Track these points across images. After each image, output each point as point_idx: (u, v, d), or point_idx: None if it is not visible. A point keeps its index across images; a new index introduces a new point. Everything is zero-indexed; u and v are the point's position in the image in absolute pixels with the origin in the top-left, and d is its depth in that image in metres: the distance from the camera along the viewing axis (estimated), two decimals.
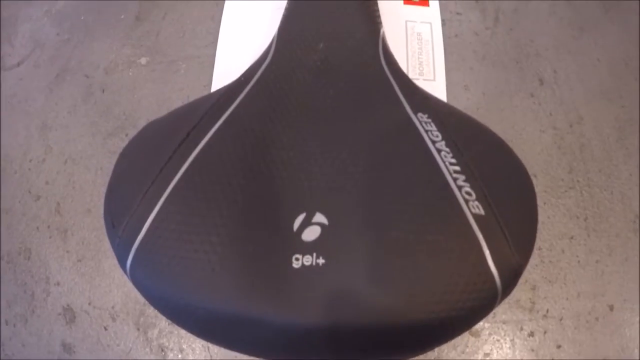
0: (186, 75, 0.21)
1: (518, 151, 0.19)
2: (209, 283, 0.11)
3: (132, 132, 0.20)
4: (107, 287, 0.19)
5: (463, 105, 0.20)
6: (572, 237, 0.19)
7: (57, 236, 0.20)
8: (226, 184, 0.12)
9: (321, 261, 0.10)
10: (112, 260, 0.19)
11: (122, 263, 0.12)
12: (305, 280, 0.10)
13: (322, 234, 0.11)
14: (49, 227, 0.21)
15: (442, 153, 0.12)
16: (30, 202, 0.21)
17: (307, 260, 0.10)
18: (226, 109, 0.13)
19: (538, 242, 0.19)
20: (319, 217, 0.11)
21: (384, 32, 0.17)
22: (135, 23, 0.23)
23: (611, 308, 0.19)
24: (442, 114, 0.13)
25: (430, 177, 0.11)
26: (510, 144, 0.19)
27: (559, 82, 0.21)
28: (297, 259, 0.10)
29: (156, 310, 0.13)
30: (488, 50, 0.21)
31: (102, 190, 0.20)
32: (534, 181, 0.19)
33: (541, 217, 0.19)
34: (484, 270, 0.10)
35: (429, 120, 0.12)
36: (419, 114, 0.13)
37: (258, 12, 0.20)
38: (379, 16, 0.18)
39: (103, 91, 0.22)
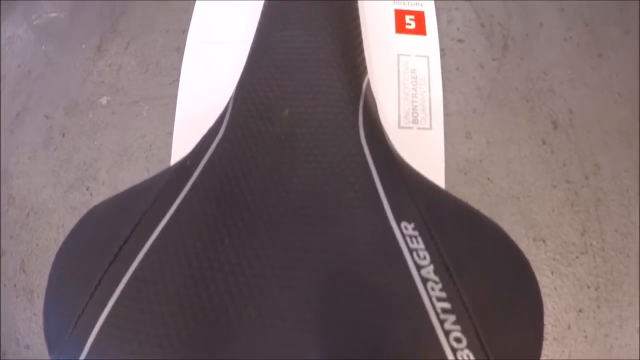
0: (149, 119, 0.16)
1: (526, 212, 0.15)
2: None
3: (93, 185, 0.16)
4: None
5: (464, 156, 0.15)
6: (580, 310, 0.14)
7: (23, 296, 0.17)
8: (161, 323, 0.08)
9: None
10: None
11: None
12: None
13: None
14: (15, 285, 0.17)
15: (429, 284, 0.07)
16: None
17: None
18: (166, 211, 0.09)
19: (545, 314, 0.15)
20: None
21: (368, 81, 0.12)
22: (96, 54, 0.18)
23: None
24: (434, 219, 0.09)
25: (412, 321, 0.07)
26: (518, 204, 0.15)
27: (575, 124, 0.16)
28: None
29: None
30: (494, 86, 0.16)
31: None
32: (543, 247, 0.14)
33: (548, 289, 0.15)
34: None
35: (415, 233, 0.08)
36: (403, 224, 0.08)
37: (223, 50, 0.15)
38: (363, 60, 0.12)
39: (63, 135, 0.17)
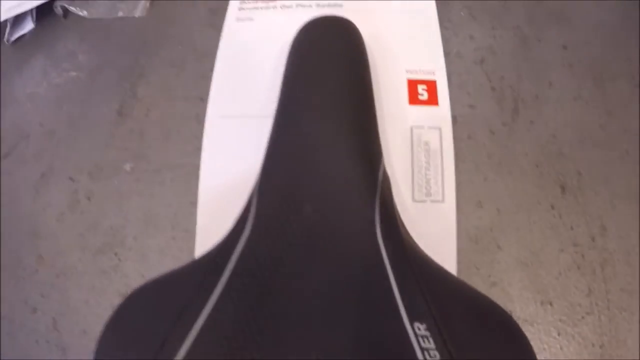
0: (172, 187, 0.18)
1: (534, 277, 0.16)
2: None
3: (120, 251, 0.18)
4: None
5: (475, 225, 0.16)
6: None
7: (56, 353, 0.19)
8: None
9: None
10: None
11: None
12: None
13: None
14: (47, 342, 0.19)
15: None
16: (28, 313, 0.19)
17: None
18: (200, 311, 0.11)
19: None
20: None
21: (384, 166, 0.14)
22: (117, 119, 0.20)
23: None
24: (444, 319, 0.10)
25: None
26: (527, 269, 0.16)
27: (583, 187, 0.17)
28: None
29: None
30: (505, 153, 0.18)
31: (96, 311, 0.19)
32: (550, 310, 0.16)
33: (554, 349, 0.16)
34: None
35: (427, 333, 0.10)
36: (416, 325, 0.10)
37: (242, 125, 0.16)
38: (378, 146, 0.14)
39: (89, 199, 0.19)
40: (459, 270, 0.16)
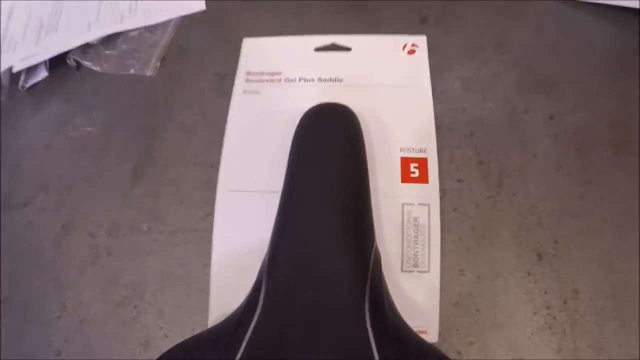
0: (186, 250, 0.22)
1: (509, 337, 0.20)
2: None
3: (140, 304, 0.22)
4: None
5: (457, 291, 0.20)
6: None
7: None
8: None
9: None
10: None
11: None
12: None
13: None
14: None
15: None
16: (52, 355, 0.24)
17: None
18: None
19: None
20: None
21: (377, 250, 0.18)
22: (133, 179, 0.24)
23: None
24: None
25: None
26: (502, 330, 0.20)
27: (559, 255, 0.21)
28: None
29: None
30: (487, 225, 0.21)
31: (117, 357, 0.22)
32: None
33: None
34: None
35: None
36: None
37: (250, 199, 0.20)
38: (372, 231, 0.18)
39: (109, 255, 0.23)
40: (440, 331, 0.20)
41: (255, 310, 0.17)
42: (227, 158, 0.22)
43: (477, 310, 0.22)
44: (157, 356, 0.19)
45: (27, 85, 0.31)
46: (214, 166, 0.24)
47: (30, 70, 0.31)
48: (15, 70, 0.30)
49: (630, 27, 0.29)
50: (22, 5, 0.32)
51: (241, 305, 0.19)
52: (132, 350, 0.24)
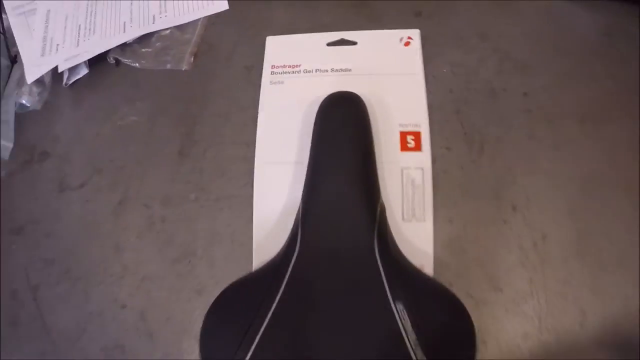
0: (230, 212, 0.32)
1: (489, 271, 0.30)
2: None
3: (193, 260, 0.32)
4: None
5: (447, 237, 0.30)
6: (526, 335, 0.30)
7: (145, 337, 0.33)
8: (285, 357, 0.24)
9: None
10: (192, 357, 0.31)
11: None
12: None
13: None
14: (137, 329, 0.33)
15: (409, 334, 0.23)
16: (118, 309, 0.33)
17: None
18: (274, 298, 0.25)
19: (499, 337, 0.30)
20: None
21: (382, 202, 0.28)
22: (179, 158, 0.34)
23: None
24: (414, 299, 0.24)
25: (399, 353, 0.23)
26: (484, 267, 0.30)
27: (530, 207, 0.31)
28: None
29: None
30: (471, 184, 0.31)
31: (177, 304, 0.33)
32: (500, 295, 0.30)
33: (502, 320, 0.30)
34: None
35: (404, 310, 0.24)
36: (398, 304, 0.24)
37: (282, 169, 0.30)
38: (378, 190, 0.28)
39: (163, 221, 0.33)
40: (435, 267, 0.30)
41: (294, 251, 0.26)
42: (261, 136, 0.32)
43: (464, 251, 0.32)
44: (211, 301, 0.29)
45: (70, 82, 0.41)
46: (249, 144, 0.32)
47: (72, 68, 0.40)
48: (60, 70, 0.39)
49: (600, 12, 0.39)
50: (57, 9, 0.41)
51: (281, 249, 0.28)
52: (188, 297, 0.33)
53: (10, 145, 0.39)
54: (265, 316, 0.25)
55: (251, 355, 0.24)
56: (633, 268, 0.31)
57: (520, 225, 0.31)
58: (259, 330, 0.25)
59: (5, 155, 0.39)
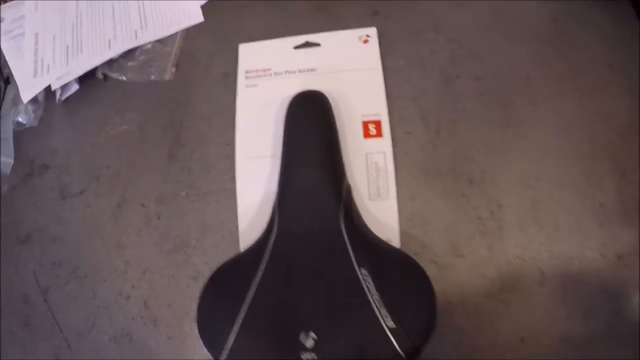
0: (217, 205, 0.40)
1: (451, 240, 0.38)
2: None
3: (187, 250, 0.40)
4: (192, 354, 0.40)
5: (410, 212, 0.38)
6: (489, 295, 0.38)
7: (149, 323, 0.41)
8: (270, 320, 0.33)
9: (314, 357, 0.29)
10: (193, 337, 0.39)
11: None
12: None
13: (314, 343, 0.29)
14: (142, 317, 0.41)
15: (374, 295, 0.31)
16: (123, 300, 0.42)
17: (308, 356, 0.29)
18: (257, 273, 0.33)
19: (464, 299, 0.39)
20: (312, 335, 0.29)
21: (347, 183, 0.36)
22: (168, 160, 0.42)
23: (522, 340, 0.38)
24: (377, 265, 0.32)
25: (366, 312, 0.31)
26: (446, 235, 0.39)
27: (485, 180, 0.39)
28: (303, 356, 0.29)
29: None
30: (430, 163, 0.39)
31: (176, 291, 0.41)
32: (462, 261, 0.38)
33: (465, 284, 0.39)
34: (396, 355, 0.29)
35: (368, 274, 0.32)
36: (362, 270, 0.32)
37: (260, 162, 0.39)
38: (343, 171, 0.36)
39: (159, 218, 0.42)
40: (401, 240, 0.39)
41: (272, 232, 0.33)
42: (240, 135, 0.39)
43: (427, 223, 0.40)
44: (199, 295, 0.37)
45: (63, 99, 0.50)
46: (230, 143, 0.39)
47: (64, 85, 0.49)
48: (53, 88, 0.48)
49: None
50: (44, 31, 0.48)
51: (262, 233, 0.34)
52: (186, 284, 0.40)
53: (11, 161, 0.48)
54: (252, 287, 0.33)
55: (242, 322, 0.33)
56: (589, 230, 0.39)
57: (477, 198, 0.39)
58: (247, 299, 0.33)
59: (7, 170, 0.48)
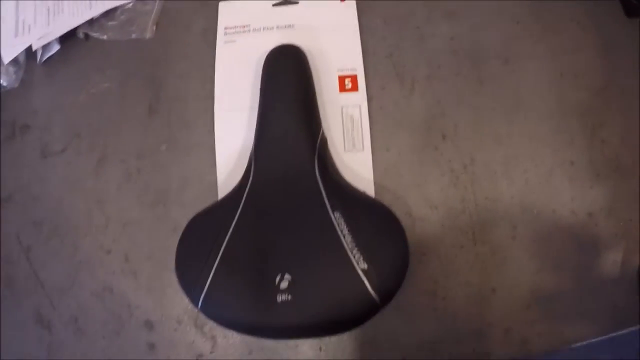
0: (197, 158, 0.41)
1: (424, 192, 0.40)
2: (240, 309, 0.33)
3: (168, 203, 0.41)
4: (172, 304, 0.41)
5: (385, 163, 0.40)
6: (462, 247, 0.40)
7: (130, 277, 0.42)
8: (245, 263, 0.34)
9: (289, 297, 0.31)
10: (172, 289, 0.41)
11: (195, 304, 0.34)
12: (283, 307, 0.31)
13: (289, 285, 0.31)
14: (122, 271, 0.43)
15: (347, 237, 0.33)
16: (104, 255, 0.43)
17: (283, 297, 0.31)
18: (233, 217, 0.35)
19: (438, 250, 0.40)
20: (287, 276, 0.31)
21: (323, 134, 0.38)
22: (148, 115, 0.43)
23: (493, 291, 0.40)
24: (350, 209, 0.34)
25: (339, 254, 0.32)
26: (420, 188, 0.40)
27: (458, 134, 0.41)
28: (278, 297, 0.31)
29: None
30: (404, 116, 0.41)
31: (156, 243, 0.42)
32: (436, 212, 0.40)
33: (439, 235, 0.40)
34: (368, 296, 0.31)
35: (341, 217, 0.33)
36: (336, 213, 0.34)
37: (238, 115, 0.40)
38: (319, 120, 0.38)
39: (139, 172, 0.43)
40: (375, 191, 0.40)
41: (248, 179, 0.35)
42: (219, 89, 0.40)
43: (400, 175, 0.41)
44: (178, 241, 0.39)
45: (44, 59, 0.50)
46: (209, 98, 0.41)
47: (45, 46, 0.50)
48: (34, 48, 0.49)
49: None
50: None
51: (239, 181, 0.36)
52: (165, 236, 0.42)
53: None
54: (228, 232, 0.34)
55: (218, 264, 0.34)
56: (559, 187, 0.41)
57: (450, 151, 0.41)
58: (223, 243, 0.34)
59: None
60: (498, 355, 0.38)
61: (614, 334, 0.39)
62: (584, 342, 0.39)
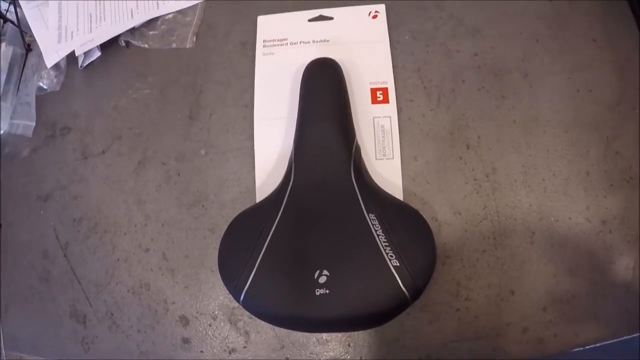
0: (235, 162, 0.46)
1: (449, 198, 0.44)
2: (280, 302, 0.37)
3: (206, 204, 0.46)
4: (207, 301, 0.45)
5: (413, 171, 0.44)
6: (484, 251, 0.44)
7: (167, 274, 0.46)
8: (286, 260, 0.38)
9: (327, 291, 0.36)
10: (208, 285, 0.45)
11: (237, 297, 0.38)
12: (320, 300, 0.36)
13: (327, 280, 0.36)
14: (160, 268, 0.46)
15: (380, 237, 0.37)
16: (142, 253, 0.47)
17: (321, 291, 0.36)
18: (275, 217, 0.39)
19: (461, 253, 0.45)
20: (325, 272, 0.36)
21: (357, 142, 0.42)
22: (189, 121, 0.48)
23: (512, 292, 0.44)
24: (383, 212, 0.38)
25: (373, 252, 0.36)
26: (444, 194, 0.44)
27: (481, 145, 0.45)
28: (317, 291, 0.36)
29: (243, 311, 0.40)
30: (431, 127, 0.45)
31: (194, 242, 0.46)
32: (459, 217, 0.44)
33: (462, 239, 0.44)
34: (399, 291, 0.36)
35: (375, 219, 0.37)
36: (370, 215, 0.38)
37: (276, 123, 0.45)
38: (353, 130, 0.42)
39: (179, 174, 0.47)
40: (404, 196, 0.44)
41: (289, 183, 0.40)
42: (258, 97, 0.45)
43: (427, 182, 0.46)
44: (221, 237, 0.43)
45: (85, 64, 0.54)
46: (248, 106, 0.46)
47: (86, 52, 0.54)
48: (77, 54, 0.53)
49: None
50: (67, 1, 0.55)
51: (279, 184, 0.42)
52: (203, 235, 0.46)
53: (33, 124, 0.53)
54: (270, 230, 0.39)
55: (260, 261, 0.38)
56: (575, 196, 0.45)
57: (473, 161, 0.45)
58: (265, 241, 0.38)
59: (28, 133, 0.53)
60: (515, 354, 0.42)
61: (625, 337, 0.43)
62: (597, 344, 0.42)
